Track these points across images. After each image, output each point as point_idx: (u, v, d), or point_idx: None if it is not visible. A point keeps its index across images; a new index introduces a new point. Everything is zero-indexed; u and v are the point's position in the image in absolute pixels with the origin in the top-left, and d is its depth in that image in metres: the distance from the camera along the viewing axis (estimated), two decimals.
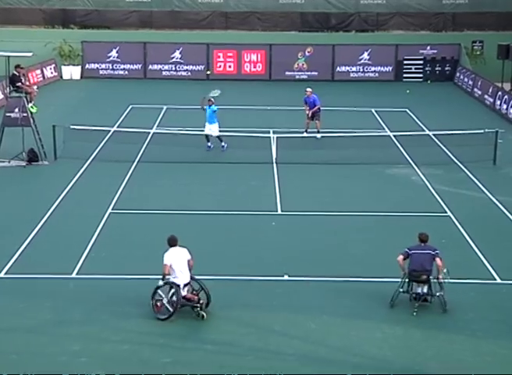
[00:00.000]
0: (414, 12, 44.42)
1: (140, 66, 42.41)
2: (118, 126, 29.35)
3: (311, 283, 16.30)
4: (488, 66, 39.43)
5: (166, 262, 14.61)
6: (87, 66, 42.33)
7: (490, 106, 34.62)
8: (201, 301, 14.60)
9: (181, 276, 14.66)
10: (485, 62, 40.59)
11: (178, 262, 14.65)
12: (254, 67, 42.41)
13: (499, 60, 37.26)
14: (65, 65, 41.89)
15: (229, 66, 42.38)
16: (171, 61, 42.30)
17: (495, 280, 16.63)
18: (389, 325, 14.52)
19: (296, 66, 42.37)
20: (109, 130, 27.93)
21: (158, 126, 30.21)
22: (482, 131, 25.94)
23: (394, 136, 28.19)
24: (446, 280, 14.99)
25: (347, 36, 43.78)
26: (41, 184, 23.45)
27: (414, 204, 21.48)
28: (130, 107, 33.90)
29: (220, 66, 42.34)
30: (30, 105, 25.60)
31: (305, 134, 28.57)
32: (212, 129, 26.63)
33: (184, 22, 44.50)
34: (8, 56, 24.82)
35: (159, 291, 14.71)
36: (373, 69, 42.31)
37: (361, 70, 42.34)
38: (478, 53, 41.97)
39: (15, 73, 26.11)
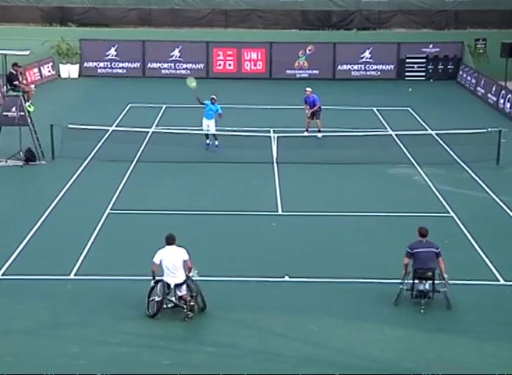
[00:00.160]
0: (417, 9, 44.38)
1: (138, 64, 42.41)
2: (116, 126, 29.34)
3: (312, 285, 16.27)
4: (492, 64, 39.41)
5: (155, 259, 14.66)
6: (85, 64, 42.34)
7: (493, 105, 34.61)
8: (191, 303, 14.57)
9: (172, 275, 14.64)
10: (489, 61, 40.58)
11: (169, 261, 14.61)
12: (255, 66, 42.40)
13: (503, 58, 37.21)
14: (62, 63, 41.90)
15: (229, 65, 42.38)
16: (170, 59, 42.30)
17: (498, 281, 16.61)
18: (391, 327, 14.51)
19: (296, 64, 42.37)
20: (108, 130, 27.92)
21: (157, 125, 30.20)
22: (485, 130, 25.93)
23: (396, 135, 28.17)
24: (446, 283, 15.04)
25: (349, 34, 43.75)
26: (39, 184, 23.44)
27: (416, 204, 21.47)
28: (129, 106, 33.90)
29: (220, 65, 42.34)
30: (28, 104, 25.57)
31: (306, 134, 28.56)
32: (210, 125, 26.64)
33: (184, 20, 44.47)
34: (6, 54, 24.82)
35: (154, 290, 14.74)
36: (375, 67, 42.31)
37: (363, 69, 42.35)
38: (481, 51, 41.94)
39: (12, 71, 26.07)
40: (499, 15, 43.72)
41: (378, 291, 15.89)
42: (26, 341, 13.87)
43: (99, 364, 13.05)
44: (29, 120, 25.16)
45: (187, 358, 13.39)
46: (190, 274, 14.83)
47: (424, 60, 42.12)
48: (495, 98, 34.66)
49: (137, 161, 25.36)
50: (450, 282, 15.16)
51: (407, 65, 42.17)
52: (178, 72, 42.22)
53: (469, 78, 39.55)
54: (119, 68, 42.44)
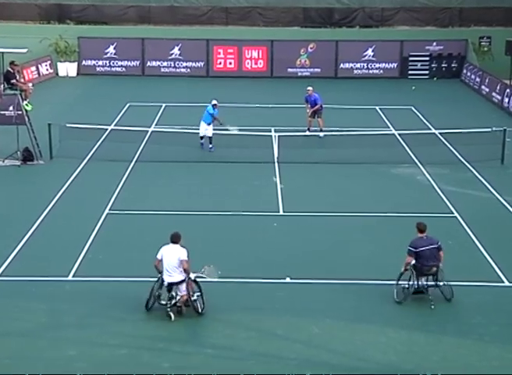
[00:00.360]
0: (420, 7, 44.43)
1: (138, 62, 42.45)
2: (115, 125, 29.37)
3: (314, 286, 16.31)
4: (496, 62, 39.43)
5: (158, 255, 14.90)
6: (83, 62, 42.39)
7: (498, 104, 34.63)
8: (178, 303, 14.74)
9: (167, 273, 14.78)
10: (493, 59, 40.59)
11: (167, 259, 14.78)
12: (256, 64, 42.43)
13: (508, 56, 37.22)
14: (61, 61, 41.94)
15: (230, 63, 42.41)
16: (170, 57, 42.33)
17: (502, 282, 16.63)
18: (393, 329, 14.53)
19: (298, 62, 42.40)
20: (106, 129, 27.96)
21: (156, 124, 30.23)
22: (490, 130, 25.97)
23: (399, 134, 28.20)
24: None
25: (351, 32, 43.81)
26: (37, 184, 23.47)
27: (419, 204, 21.49)
28: (128, 105, 33.93)
29: (220, 63, 42.38)
30: (25, 102, 25.61)
31: (307, 133, 28.60)
32: (209, 129, 26.64)
33: (183, 17, 44.52)
34: (3, 52, 24.86)
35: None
36: (377, 65, 42.34)
37: (365, 67, 42.38)
38: (486, 49, 41.96)
39: (9, 69, 26.11)
40: (504, 12, 43.76)
41: (380, 292, 15.91)
42: (24, 343, 13.91)
43: (98, 366, 13.07)
44: (26, 119, 25.20)
45: (187, 361, 13.41)
46: (192, 275, 14.87)
47: (427, 58, 42.16)
48: (499, 97, 34.68)
49: (136, 161, 25.39)
50: (453, 283, 15.23)
51: (410, 63, 42.20)
52: (178, 70, 42.28)
53: (473, 76, 39.57)
54: (118, 66, 42.48)
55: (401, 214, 20.58)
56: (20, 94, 25.30)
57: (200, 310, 14.82)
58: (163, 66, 42.44)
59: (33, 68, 39.64)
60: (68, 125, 25.93)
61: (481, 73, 38.52)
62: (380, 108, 33.72)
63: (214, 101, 26.78)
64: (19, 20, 44.24)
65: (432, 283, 15.44)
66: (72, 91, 38.14)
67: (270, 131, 28.02)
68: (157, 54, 42.23)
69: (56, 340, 14.06)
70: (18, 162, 24.80)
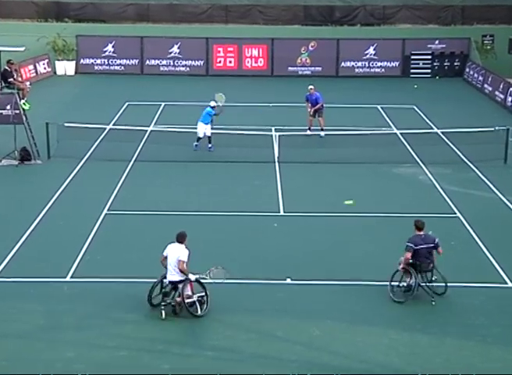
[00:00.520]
0: (422, 5, 44.45)
1: (136, 61, 42.47)
2: (114, 124, 29.40)
3: (315, 287, 16.32)
4: (499, 60, 39.49)
5: (164, 252, 15.09)
6: (81, 61, 42.41)
7: (501, 103, 34.64)
8: (172, 302, 14.84)
9: (169, 272, 14.96)
10: (496, 57, 40.62)
11: (169, 258, 14.97)
12: (256, 62, 42.45)
13: (511, 55, 37.28)
14: (58, 60, 41.95)
15: (230, 62, 42.43)
16: (169, 56, 42.36)
17: (506, 283, 16.63)
18: (395, 330, 14.54)
19: (299, 61, 42.41)
20: (105, 128, 27.96)
21: (155, 123, 30.25)
22: (493, 129, 25.99)
23: (401, 134, 28.21)
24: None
25: (352, 30, 43.83)
26: (34, 184, 23.48)
27: (421, 204, 21.49)
28: (127, 104, 33.95)
29: (220, 62, 42.40)
30: (23, 101, 25.65)
31: (308, 132, 28.62)
32: (207, 129, 26.62)
33: (183, 15, 44.55)
34: (0, 51, 24.85)
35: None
36: (379, 64, 42.35)
37: (367, 66, 42.39)
38: (489, 47, 41.97)
39: (6, 68, 26.15)
40: (507, 10, 43.80)
41: (381, 293, 15.90)
42: (21, 344, 13.91)
43: (97, 368, 13.07)
44: (24, 118, 25.20)
45: (186, 363, 13.42)
46: (192, 277, 14.89)
47: (429, 57, 42.16)
48: (502, 96, 34.69)
49: (135, 160, 25.40)
50: (456, 284, 15.26)
51: (412, 62, 42.22)
52: (177, 69, 42.30)
53: (476, 75, 39.58)
54: (117, 65, 42.50)
55: (403, 214, 20.56)
56: (18, 93, 25.33)
57: (197, 313, 14.81)
58: (162, 65, 42.46)
59: (31, 66, 39.67)
60: (66, 124, 25.94)
61: (484, 72, 38.53)
62: (382, 108, 33.73)
63: (212, 103, 26.75)
64: (17, 18, 44.26)
65: (426, 280, 15.63)
66: (70, 89, 38.16)
67: (270, 130, 28.01)
68: (156, 52, 42.24)
69: (54, 341, 14.06)
70: (15, 162, 24.80)
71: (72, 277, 16.66)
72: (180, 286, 14.86)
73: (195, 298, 14.92)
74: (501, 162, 25.33)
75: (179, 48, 42.22)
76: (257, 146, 26.12)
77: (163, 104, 34.00)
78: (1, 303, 15.51)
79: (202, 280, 15.08)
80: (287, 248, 18.41)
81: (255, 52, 42.37)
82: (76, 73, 42.22)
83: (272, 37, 42.20)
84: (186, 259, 14.84)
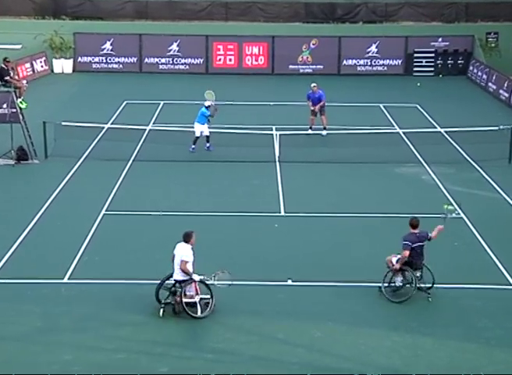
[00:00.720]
0: (425, 2, 44.44)
1: (135, 59, 42.47)
2: (112, 123, 29.42)
3: (316, 289, 16.33)
4: (504, 58, 39.47)
5: (174, 250, 15.23)
6: (79, 59, 42.40)
7: (505, 101, 34.64)
8: (172, 302, 14.92)
9: (175, 270, 15.12)
10: (500, 55, 40.63)
11: (175, 257, 15.11)
12: (256, 60, 42.46)
13: None
14: (56, 58, 41.95)
15: (230, 60, 42.43)
16: (168, 54, 42.36)
17: (510, 285, 16.64)
18: (398, 332, 14.56)
19: (300, 59, 42.42)
20: (103, 127, 27.98)
21: (154, 122, 30.27)
22: (497, 128, 25.98)
23: (403, 133, 28.23)
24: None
25: (354, 27, 43.82)
26: (31, 184, 23.50)
27: (424, 204, 21.48)
28: (125, 103, 33.96)
29: (220, 60, 42.40)
30: (19, 100, 25.65)
31: (310, 131, 28.63)
32: (204, 130, 26.58)
33: (182, 12, 44.54)
34: None
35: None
36: (381, 62, 42.36)
37: (369, 64, 42.39)
38: (493, 45, 41.99)
39: (3, 66, 26.17)
40: None
41: (383, 294, 15.91)
42: (18, 347, 13.93)
43: (94, 371, 13.08)
44: (21, 117, 25.22)
45: (185, 365, 13.43)
46: (197, 277, 14.95)
47: (433, 55, 42.16)
48: (507, 94, 34.69)
49: (134, 160, 25.42)
50: (459, 286, 15.30)
51: (415, 60, 42.19)
52: (176, 67, 42.32)
53: (480, 73, 39.58)
54: (115, 63, 42.50)
55: (405, 214, 20.50)
56: (14, 92, 25.34)
57: (196, 314, 14.83)
58: (161, 63, 42.47)
59: (28, 65, 39.65)
60: (63, 123, 25.95)
61: (488, 70, 38.53)
62: (384, 106, 33.74)
63: (207, 103, 26.69)
64: (13, 15, 44.25)
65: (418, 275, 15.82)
66: (67, 88, 38.17)
67: (271, 129, 28.02)
68: (155, 50, 42.24)
69: (51, 344, 14.09)
70: (12, 162, 24.82)
71: (69, 279, 16.67)
72: (181, 285, 14.90)
73: (197, 298, 14.94)
74: (505, 162, 25.34)
75: (178, 45, 42.23)
76: (257, 145, 26.14)
77: (162, 103, 34.01)
78: None
79: (208, 282, 15.10)
80: (288, 248, 18.43)
81: (256, 50, 42.38)
82: (73, 71, 42.22)
83: (272, 34, 42.20)
84: (188, 259, 14.92)
